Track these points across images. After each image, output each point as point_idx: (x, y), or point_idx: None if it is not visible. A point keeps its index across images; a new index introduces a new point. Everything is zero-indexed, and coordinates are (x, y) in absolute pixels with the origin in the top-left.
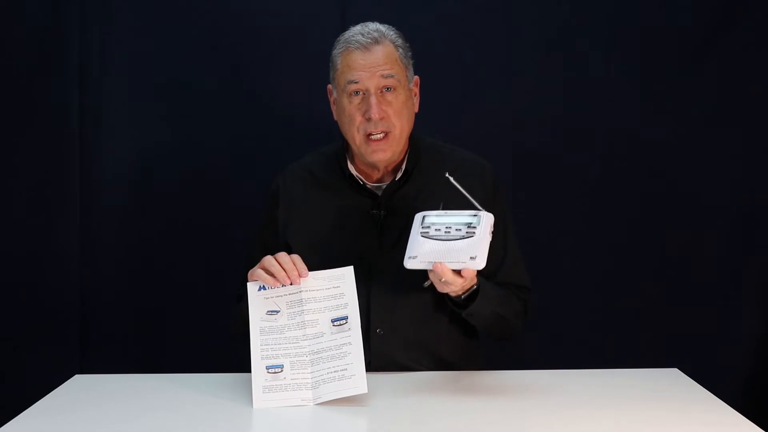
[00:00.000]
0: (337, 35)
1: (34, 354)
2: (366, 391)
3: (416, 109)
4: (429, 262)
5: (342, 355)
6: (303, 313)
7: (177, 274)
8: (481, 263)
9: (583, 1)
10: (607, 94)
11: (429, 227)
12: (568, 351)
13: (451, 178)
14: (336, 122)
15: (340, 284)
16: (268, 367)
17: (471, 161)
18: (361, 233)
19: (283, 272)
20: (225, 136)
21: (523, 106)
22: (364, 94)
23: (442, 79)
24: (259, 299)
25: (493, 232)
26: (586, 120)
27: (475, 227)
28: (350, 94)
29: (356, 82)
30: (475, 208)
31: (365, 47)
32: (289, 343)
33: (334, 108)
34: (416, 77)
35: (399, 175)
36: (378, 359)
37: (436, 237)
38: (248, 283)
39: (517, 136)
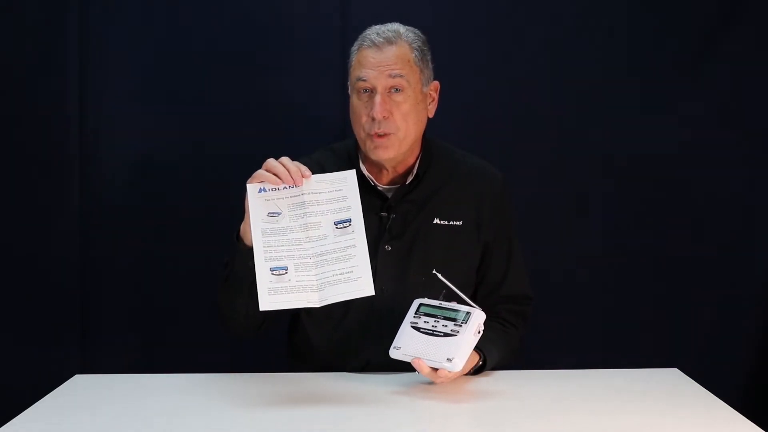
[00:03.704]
0: (337, 35)
1: (34, 354)
2: (373, 293)
3: (431, 115)
4: (410, 355)
5: (346, 257)
6: (305, 215)
7: (177, 274)
8: (457, 365)
9: (584, 2)
10: (608, 94)
11: (420, 317)
12: (568, 351)
13: (439, 275)
14: (340, 123)
15: (342, 187)
16: (272, 269)
17: (482, 169)
18: (368, 234)
19: (287, 173)
20: (226, 136)
21: (522, 107)
22: (371, 92)
23: (441, 79)
24: (259, 201)
25: (497, 245)
26: (587, 121)
27: (461, 325)
28: (359, 92)
29: (364, 80)
30: (469, 304)
31: (378, 46)
32: (292, 245)
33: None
34: (435, 82)
35: (410, 179)
36: (379, 359)
37: (424, 330)
38: (248, 185)
39: (516, 137)
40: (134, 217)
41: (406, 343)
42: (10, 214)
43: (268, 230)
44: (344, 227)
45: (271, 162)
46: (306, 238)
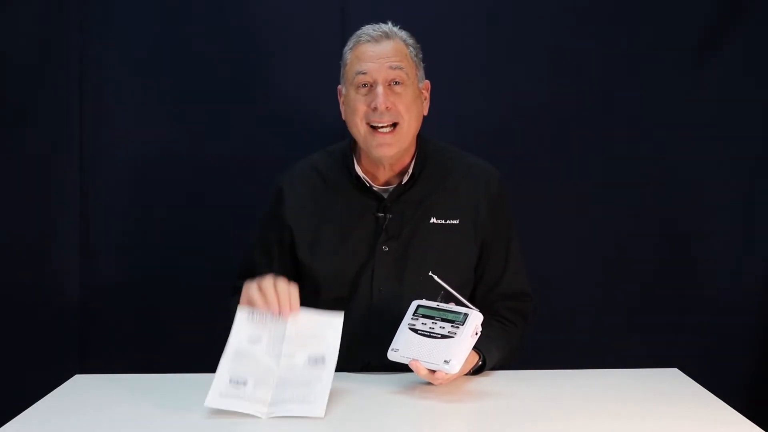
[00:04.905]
0: (337, 35)
1: (34, 354)
2: (322, 416)
3: (425, 113)
4: (408, 357)
5: (309, 384)
6: (282, 346)
7: (177, 274)
8: (455, 367)
9: (584, 2)
10: (608, 94)
11: (418, 319)
12: (568, 351)
13: (435, 276)
14: (340, 123)
15: (326, 330)
16: (231, 380)
17: (478, 167)
18: (365, 235)
19: (276, 304)
20: (225, 137)
21: (522, 107)
22: (371, 86)
23: (441, 80)
24: (243, 322)
25: (494, 243)
26: (587, 121)
27: (458, 327)
28: (358, 86)
29: (365, 73)
30: (466, 306)
31: (375, 40)
32: (260, 368)
33: (343, 108)
34: (427, 82)
35: (406, 179)
36: (378, 360)
37: (421, 332)
38: (238, 309)
39: (516, 137)
40: (134, 217)
41: (404, 345)
42: (10, 213)
43: (242, 352)
44: (316, 362)
45: (265, 286)
46: (276, 366)
